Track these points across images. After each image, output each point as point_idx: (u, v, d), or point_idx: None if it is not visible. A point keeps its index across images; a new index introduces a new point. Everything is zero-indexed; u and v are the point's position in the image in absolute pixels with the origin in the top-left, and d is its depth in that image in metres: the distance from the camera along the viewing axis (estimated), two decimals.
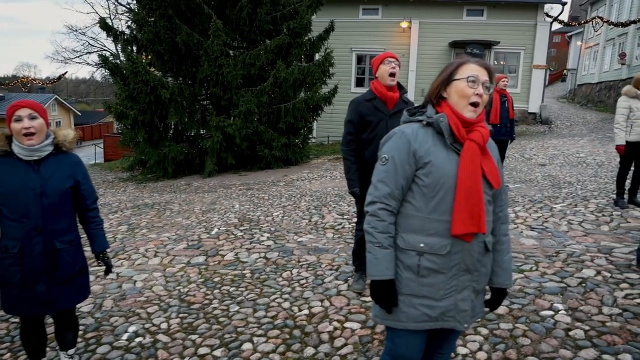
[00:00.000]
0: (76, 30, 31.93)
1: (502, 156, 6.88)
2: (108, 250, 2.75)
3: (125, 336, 3.23)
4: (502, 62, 17.85)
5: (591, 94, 24.89)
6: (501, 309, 3.13)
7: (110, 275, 4.52)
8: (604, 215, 5.26)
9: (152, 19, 11.15)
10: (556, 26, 22.04)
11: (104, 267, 2.70)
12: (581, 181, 7.33)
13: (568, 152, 10.65)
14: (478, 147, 1.62)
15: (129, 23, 12.12)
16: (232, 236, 5.56)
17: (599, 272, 3.65)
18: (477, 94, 1.61)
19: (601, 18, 17.48)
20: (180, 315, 3.51)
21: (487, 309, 1.86)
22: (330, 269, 4.19)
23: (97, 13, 40.53)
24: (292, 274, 4.17)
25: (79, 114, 43.48)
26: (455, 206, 1.59)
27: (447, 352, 1.92)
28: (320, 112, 12.70)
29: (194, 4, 10.96)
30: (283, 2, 12.02)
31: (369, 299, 3.43)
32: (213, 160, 11.39)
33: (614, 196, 5.76)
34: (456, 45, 17.40)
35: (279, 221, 6.12)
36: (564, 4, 17.39)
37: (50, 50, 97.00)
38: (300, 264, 4.42)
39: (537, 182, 7.46)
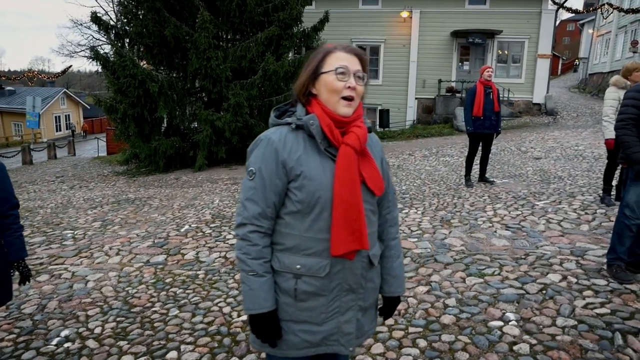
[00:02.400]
0: (81, 24, 32.04)
1: (488, 150, 6.58)
2: (27, 258, 2.60)
3: (55, 341, 3.10)
4: (505, 52, 17.37)
5: (602, 84, 24.15)
6: (447, 319, 2.91)
7: (65, 275, 4.43)
8: (586, 213, 4.98)
9: (141, 12, 10.99)
10: (569, 14, 21.36)
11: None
12: (572, 176, 7.01)
13: (567, 145, 10.27)
14: (354, 151, 1.40)
15: (120, 16, 11.95)
16: (200, 234, 5.41)
17: (564, 278, 3.40)
18: (349, 87, 1.40)
19: (611, 5, 16.82)
20: (118, 319, 3.36)
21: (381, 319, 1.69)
22: None
23: (101, 7, 40.62)
24: None
25: (88, 107, 43.73)
26: (333, 224, 1.39)
27: None
28: None
29: None
30: None
31: None
32: (204, 154, 11.26)
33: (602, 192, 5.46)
34: (458, 34, 16.96)
35: None
36: None
37: (57, 44, 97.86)
38: None
39: (527, 177, 7.16)
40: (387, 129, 16.72)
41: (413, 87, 17.72)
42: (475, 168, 7.07)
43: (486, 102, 6.09)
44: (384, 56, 17.99)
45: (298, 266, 1.43)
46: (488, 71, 6.14)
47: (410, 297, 3.28)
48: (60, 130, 38.91)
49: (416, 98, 17.96)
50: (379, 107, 18.04)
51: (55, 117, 38.74)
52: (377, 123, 17.82)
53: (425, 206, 5.85)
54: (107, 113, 11.34)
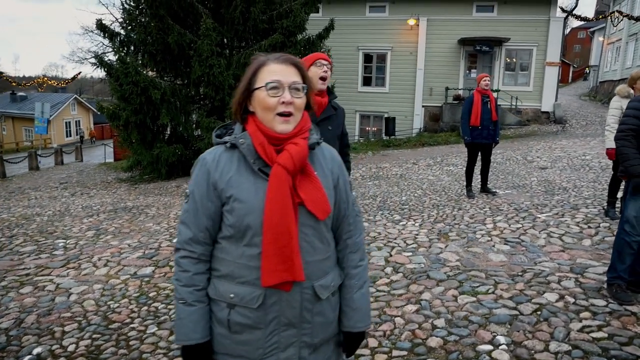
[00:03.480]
0: (91, 32, 32.39)
1: (487, 161, 6.41)
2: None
3: (26, 359, 2.98)
4: (513, 59, 17.15)
5: (613, 92, 23.79)
6: (434, 341, 2.75)
7: (49, 287, 4.33)
8: (589, 227, 4.78)
9: (145, 19, 11.02)
10: (579, 22, 21.11)
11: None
12: (578, 187, 6.79)
13: (574, 154, 10.04)
14: (286, 172, 1.27)
15: (125, 24, 11.99)
16: None
17: (561, 297, 3.22)
18: (284, 102, 1.27)
19: (620, 12, 16.58)
20: (94, 335, 3.24)
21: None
22: None
23: (111, 14, 41.13)
24: None
25: (98, 113, 44.22)
26: (263, 251, 1.26)
27: None
28: None
29: (186, 3, 10.77)
30: (279, 0, 11.73)
31: None
32: None
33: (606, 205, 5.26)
34: (465, 42, 16.81)
35: None
36: None
37: (68, 51, 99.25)
38: None
39: (531, 188, 6.96)
40: (393, 137, 16.57)
41: (420, 95, 17.56)
42: (478, 178, 6.89)
43: (484, 112, 5.92)
44: (390, 64, 17.88)
45: (232, 295, 1.32)
46: (485, 80, 5.98)
47: (398, 316, 3.12)
48: (70, 136, 39.33)
49: (423, 106, 17.80)
50: (385, 115, 17.91)
51: (66, 122, 39.18)
52: (383, 131, 17.67)
53: (423, 218, 5.68)
54: (110, 120, 11.36)
